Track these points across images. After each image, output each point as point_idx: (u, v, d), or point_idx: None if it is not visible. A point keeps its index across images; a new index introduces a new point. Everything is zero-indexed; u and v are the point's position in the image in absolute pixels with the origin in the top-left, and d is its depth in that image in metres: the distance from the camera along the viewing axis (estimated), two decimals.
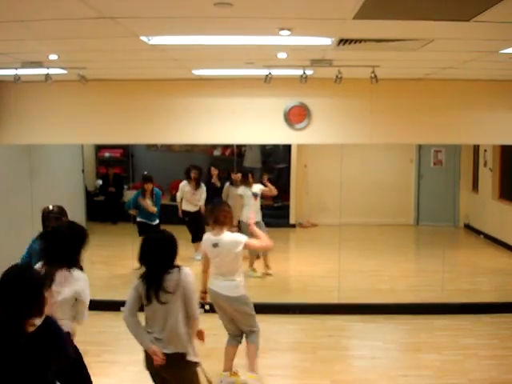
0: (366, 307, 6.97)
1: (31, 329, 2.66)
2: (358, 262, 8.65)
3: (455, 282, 7.85)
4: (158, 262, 3.72)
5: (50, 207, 4.71)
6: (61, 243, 3.76)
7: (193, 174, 8.56)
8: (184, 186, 8.64)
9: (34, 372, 2.66)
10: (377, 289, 7.74)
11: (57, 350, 2.76)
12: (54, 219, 4.54)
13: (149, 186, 8.17)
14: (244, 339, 5.07)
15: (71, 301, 3.70)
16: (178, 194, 8.72)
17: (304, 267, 8.99)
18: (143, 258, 3.77)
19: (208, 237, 4.96)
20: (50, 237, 3.90)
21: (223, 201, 5.27)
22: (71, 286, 3.68)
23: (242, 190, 8.16)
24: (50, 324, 2.78)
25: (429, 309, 6.94)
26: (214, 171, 8.96)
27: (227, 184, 8.61)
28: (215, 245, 4.85)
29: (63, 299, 3.65)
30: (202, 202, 8.64)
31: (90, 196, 11.09)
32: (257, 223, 8.01)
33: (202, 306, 6.31)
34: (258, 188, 8.18)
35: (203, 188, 8.69)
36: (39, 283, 2.78)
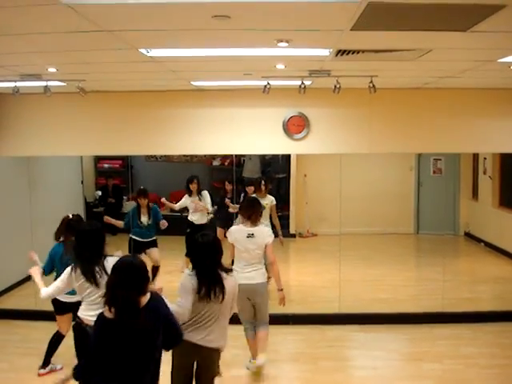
0: (367, 317, 6.96)
1: (142, 303, 3.31)
2: (359, 272, 8.62)
3: (456, 290, 7.83)
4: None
5: (70, 216, 5.26)
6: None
7: (193, 185, 8.46)
8: (187, 198, 8.53)
9: (149, 339, 3.29)
10: (377, 298, 7.72)
11: (164, 317, 3.40)
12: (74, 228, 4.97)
13: (143, 201, 7.80)
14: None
15: None
16: (179, 203, 8.56)
17: (304, 277, 8.98)
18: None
19: (240, 228, 5.45)
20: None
21: (257, 200, 5.78)
22: None
23: None
24: (156, 299, 3.42)
25: (429, 318, 6.92)
26: (228, 186, 8.79)
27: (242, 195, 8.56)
28: (250, 235, 5.35)
29: None
30: (210, 208, 8.43)
31: (89, 207, 11.05)
32: None
33: None
34: (268, 200, 7.79)
35: (205, 193, 8.52)
36: (144, 269, 3.40)
